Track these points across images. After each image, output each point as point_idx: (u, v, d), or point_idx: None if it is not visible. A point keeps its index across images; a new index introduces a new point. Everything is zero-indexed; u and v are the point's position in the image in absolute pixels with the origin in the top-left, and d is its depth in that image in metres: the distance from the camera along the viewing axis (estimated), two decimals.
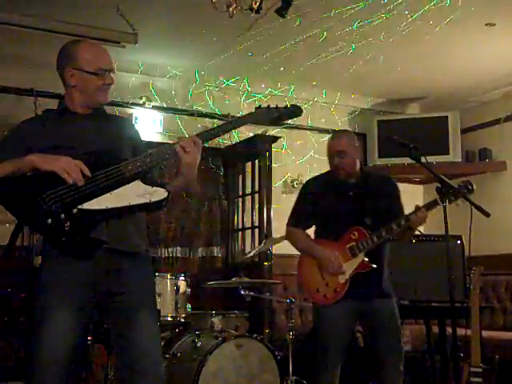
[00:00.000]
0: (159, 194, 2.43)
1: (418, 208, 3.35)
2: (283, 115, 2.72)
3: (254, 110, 2.72)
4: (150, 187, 2.43)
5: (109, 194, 2.39)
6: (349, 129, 6.82)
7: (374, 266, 3.41)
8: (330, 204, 3.55)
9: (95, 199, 2.37)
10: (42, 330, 2.38)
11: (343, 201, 3.54)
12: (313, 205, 3.62)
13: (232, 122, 2.68)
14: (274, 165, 5.92)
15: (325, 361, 3.49)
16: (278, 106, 2.70)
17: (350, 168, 3.55)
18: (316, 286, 3.51)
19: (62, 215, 2.33)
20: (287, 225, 3.71)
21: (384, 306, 3.48)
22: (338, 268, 3.44)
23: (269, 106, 2.70)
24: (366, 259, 3.41)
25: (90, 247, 2.39)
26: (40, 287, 2.44)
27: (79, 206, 2.35)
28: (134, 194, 2.42)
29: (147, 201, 2.42)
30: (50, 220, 2.32)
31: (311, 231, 3.71)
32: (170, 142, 6.14)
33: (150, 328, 2.50)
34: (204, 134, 2.58)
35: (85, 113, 2.58)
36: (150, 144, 5.85)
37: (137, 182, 2.43)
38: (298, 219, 3.67)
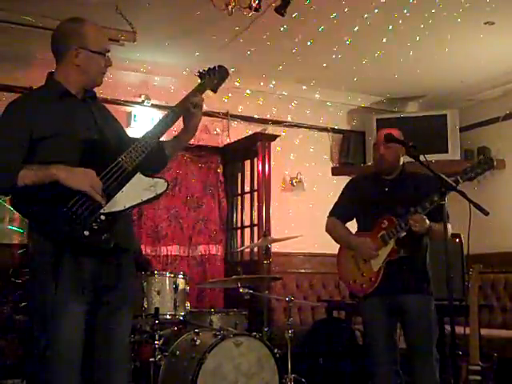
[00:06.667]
0: (162, 185, 2.49)
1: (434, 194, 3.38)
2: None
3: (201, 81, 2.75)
4: (151, 179, 2.48)
5: (120, 192, 2.41)
6: (348, 127, 6.85)
7: (402, 251, 3.47)
8: (366, 198, 3.69)
9: (112, 201, 2.39)
10: (58, 323, 2.34)
11: (379, 195, 3.65)
12: (351, 199, 3.78)
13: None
14: (272, 163, 5.92)
15: (373, 355, 3.59)
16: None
17: (392, 161, 3.62)
18: (353, 276, 3.64)
19: (95, 225, 2.34)
20: (327, 216, 3.84)
21: (414, 302, 3.51)
22: (369, 252, 3.54)
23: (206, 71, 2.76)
24: (396, 247, 3.48)
25: (103, 246, 2.39)
26: (46, 282, 2.35)
27: (102, 211, 2.36)
28: (140, 188, 2.45)
29: (154, 194, 2.47)
30: (87, 232, 2.31)
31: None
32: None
33: (128, 323, 2.60)
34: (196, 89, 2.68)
35: (80, 96, 2.56)
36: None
37: (138, 174, 2.46)
38: (336, 210, 3.82)
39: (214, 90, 2.76)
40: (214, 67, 2.75)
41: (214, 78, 2.73)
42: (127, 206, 2.41)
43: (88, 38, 2.51)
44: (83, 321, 2.40)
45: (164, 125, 2.56)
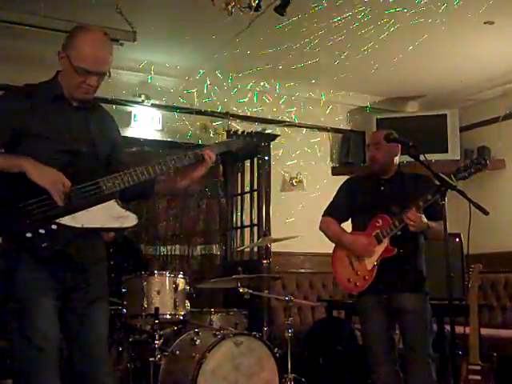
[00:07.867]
0: (131, 220, 2.46)
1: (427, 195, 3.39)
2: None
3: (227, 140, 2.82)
4: (123, 210, 2.45)
5: (85, 210, 2.38)
6: (348, 127, 6.86)
7: (396, 249, 3.47)
8: (361, 199, 3.70)
9: (72, 215, 2.36)
10: (31, 317, 2.35)
11: (374, 196, 3.66)
12: (347, 199, 3.78)
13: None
14: (272, 163, 5.93)
15: (371, 354, 3.59)
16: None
17: (384, 162, 3.64)
18: (347, 276, 3.63)
19: (42, 230, 2.31)
20: (322, 215, 3.84)
21: (409, 301, 3.51)
22: (364, 247, 3.53)
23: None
24: (391, 246, 3.48)
25: (61, 259, 2.38)
26: (18, 282, 2.36)
27: (57, 221, 2.33)
28: (108, 215, 2.43)
29: (118, 225, 2.45)
30: (29, 234, 2.29)
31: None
32: (168, 140, 6.15)
33: (105, 315, 2.59)
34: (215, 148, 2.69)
35: (76, 103, 2.51)
36: (148, 143, 5.89)
37: (112, 201, 2.44)
38: (331, 210, 3.83)
39: (234, 152, 2.80)
40: (245, 136, 2.80)
41: (233, 142, 2.77)
42: (84, 226, 2.38)
43: (75, 49, 2.41)
44: (56, 315, 2.40)
45: (166, 167, 2.54)
